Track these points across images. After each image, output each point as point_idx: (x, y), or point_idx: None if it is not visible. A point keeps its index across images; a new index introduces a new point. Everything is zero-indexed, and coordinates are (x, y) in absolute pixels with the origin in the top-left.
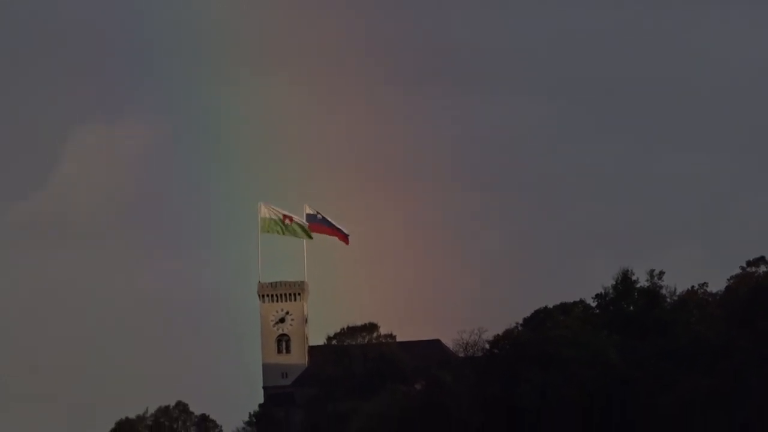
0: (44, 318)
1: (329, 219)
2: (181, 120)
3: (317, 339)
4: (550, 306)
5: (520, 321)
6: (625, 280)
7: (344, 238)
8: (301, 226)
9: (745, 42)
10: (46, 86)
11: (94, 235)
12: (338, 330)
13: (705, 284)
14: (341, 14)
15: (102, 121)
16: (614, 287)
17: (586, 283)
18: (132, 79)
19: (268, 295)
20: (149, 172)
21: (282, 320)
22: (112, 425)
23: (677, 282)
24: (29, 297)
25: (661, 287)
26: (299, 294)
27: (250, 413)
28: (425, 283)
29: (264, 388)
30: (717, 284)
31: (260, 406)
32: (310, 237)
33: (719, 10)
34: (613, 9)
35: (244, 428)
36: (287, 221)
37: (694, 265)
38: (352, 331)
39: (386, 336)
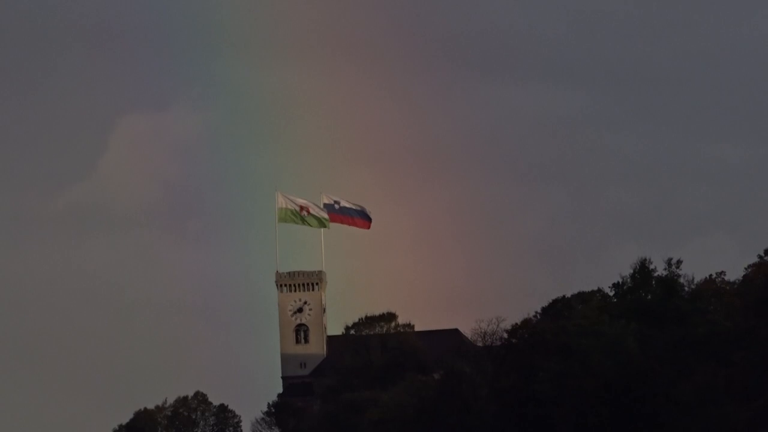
0: (69, 304)
1: (350, 206)
2: (216, 111)
3: (335, 329)
4: (568, 295)
5: (539, 310)
6: (642, 269)
7: (365, 224)
8: (318, 217)
9: None
10: (95, 76)
11: (127, 224)
12: (356, 320)
13: (723, 273)
14: (365, 3)
15: (145, 113)
16: (632, 276)
17: (605, 271)
18: (173, 71)
19: (286, 285)
20: (184, 163)
21: (300, 310)
22: (131, 415)
23: (696, 271)
24: (54, 284)
25: (678, 276)
26: (317, 284)
27: (268, 403)
28: (443, 273)
29: (282, 378)
30: (736, 273)
31: (279, 395)
32: (327, 227)
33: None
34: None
35: (262, 418)
36: (304, 212)
37: (716, 253)
38: (370, 320)
39: (404, 325)
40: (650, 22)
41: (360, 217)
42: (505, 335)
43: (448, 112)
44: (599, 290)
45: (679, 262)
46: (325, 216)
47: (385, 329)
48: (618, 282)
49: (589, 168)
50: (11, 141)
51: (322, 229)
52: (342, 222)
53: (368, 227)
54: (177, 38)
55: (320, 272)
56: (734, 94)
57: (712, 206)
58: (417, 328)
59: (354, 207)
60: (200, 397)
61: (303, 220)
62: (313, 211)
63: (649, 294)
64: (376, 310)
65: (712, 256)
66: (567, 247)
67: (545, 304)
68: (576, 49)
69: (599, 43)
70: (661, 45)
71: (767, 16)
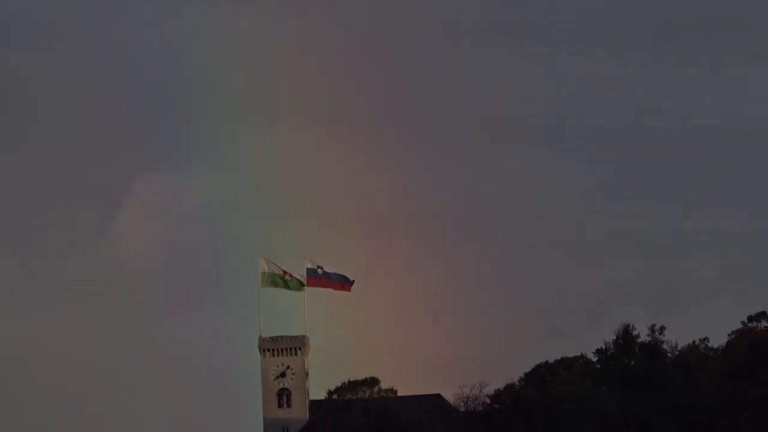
0: (57, 370)
1: (332, 272)
2: (219, 177)
3: (318, 393)
4: (551, 361)
5: (521, 375)
6: (626, 335)
7: (345, 287)
8: (297, 280)
9: None
10: (110, 139)
11: (128, 290)
12: (339, 384)
13: (706, 339)
14: (366, 69)
15: (155, 179)
16: (615, 342)
17: (591, 337)
18: (183, 136)
19: (268, 350)
20: (184, 229)
21: (283, 375)
22: None
23: (685, 337)
24: (48, 350)
25: (662, 342)
26: (300, 348)
27: None
28: (426, 338)
29: None
30: (719, 339)
31: None
32: (302, 290)
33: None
34: (657, 64)
35: None
36: (287, 277)
37: (705, 321)
38: (353, 385)
39: (387, 390)
40: (656, 90)
41: (340, 281)
42: (488, 400)
43: (445, 180)
44: (582, 356)
45: (662, 328)
46: (303, 279)
47: (367, 394)
48: (601, 348)
49: (587, 236)
50: (24, 205)
51: (305, 294)
52: (321, 285)
53: (349, 290)
54: (189, 103)
55: (303, 337)
56: (737, 163)
57: (708, 275)
58: (399, 393)
59: (336, 272)
60: None
61: (285, 284)
62: (294, 275)
63: (633, 360)
64: (359, 375)
65: (702, 324)
66: (554, 313)
67: (528, 369)
68: (580, 117)
69: (604, 112)
70: (666, 114)
71: None
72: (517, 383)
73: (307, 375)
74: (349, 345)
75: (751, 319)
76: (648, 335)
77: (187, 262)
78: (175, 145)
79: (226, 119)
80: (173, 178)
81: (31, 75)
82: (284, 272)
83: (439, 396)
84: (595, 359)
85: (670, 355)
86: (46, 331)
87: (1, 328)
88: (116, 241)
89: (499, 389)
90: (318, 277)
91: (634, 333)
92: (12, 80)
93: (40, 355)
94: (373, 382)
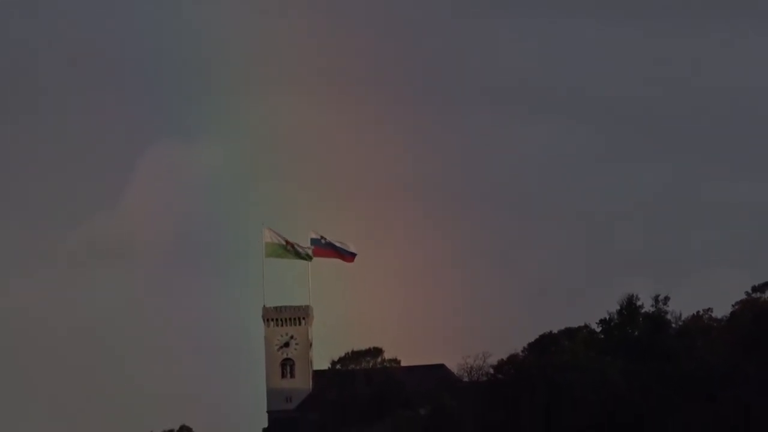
0: (48, 340)
1: (335, 242)
2: (231, 146)
3: (321, 363)
4: (555, 331)
5: (525, 346)
6: (630, 306)
7: (349, 258)
8: (303, 251)
9: None
10: (120, 110)
11: (131, 258)
12: (342, 354)
13: (710, 310)
14: (371, 38)
15: (163, 148)
16: (619, 312)
17: (597, 307)
18: (189, 106)
19: (272, 320)
20: (189, 198)
21: (286, 344)
22: None
23: (691, 307)
24: (44, 313)
25: (666, 312)
26: (304, 318)
27: None
28: (430, 308)
29: (268, 412)
30: (723, 309)
31: (264, 430)
32: (310, 259)
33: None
34: (659, 34)
35: None
36: (290, 247)
37: (711, 290)
38: (356, 355)
39: (391, 360)
40: (661, 59)
41: (344, 252)
42: (492, 370)
43: (446, 150)
44: (586, 326)
45: (666, 298)
46: (309, 250)
47: (371, 364)
48: (605, 318)
49: (590, 206)
50: (33, 172)
51: (309, 264)
52: (326, 255)
53: (352, 261)
54: (196, 75)
55: (307, 307)
56: (743, 131)
57: (713, 245)
58: (403, 363)
59: (339, 243)
60: (185, 431)
61: (294, 253)
62: (298, 246)
63: (636, 330)
64: (363, 345)
65: (706, 295)
66: (557, 283)
67: (532, 339)
68: (585, 85)
69: (610, 80)
70: (672, 82)
71: None
72: (520, 353)
73: (310, 345)
74: (352, 315)
75: (755, 289)
76: (652, 306)
77: (192, 232)
78: (183, 114)
79: (234, 90)
80: (181, 147)
81: (36, 48)
82: (287, 242)
83: (442, 366)
84: (599, 329)
85: (674, 325)
86: (53, 295)
87: (8, 294)
88: (123, 210)
89: (502, 359)
90: (322, 247)
91: (638, 303)
92: (18, 55)
93: (46, 318)
94: (376, 352)
